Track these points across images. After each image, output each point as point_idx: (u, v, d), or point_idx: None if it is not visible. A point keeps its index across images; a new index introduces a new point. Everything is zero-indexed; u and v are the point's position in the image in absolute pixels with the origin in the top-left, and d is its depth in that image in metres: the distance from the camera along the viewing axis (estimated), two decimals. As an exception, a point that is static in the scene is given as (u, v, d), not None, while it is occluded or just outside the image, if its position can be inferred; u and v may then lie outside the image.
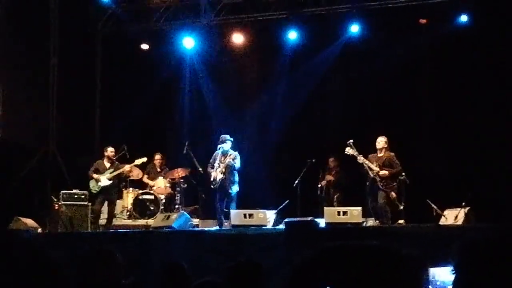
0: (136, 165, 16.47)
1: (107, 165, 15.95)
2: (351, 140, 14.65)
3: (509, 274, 2.38)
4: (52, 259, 2.83)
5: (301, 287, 2.17)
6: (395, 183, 14.44)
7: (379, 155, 14.72)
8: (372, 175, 14.51)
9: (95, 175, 15.76)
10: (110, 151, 16.08)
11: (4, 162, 16.54)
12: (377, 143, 14.78)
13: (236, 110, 18.53)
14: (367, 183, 14.67)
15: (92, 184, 15.82)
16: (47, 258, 2.82)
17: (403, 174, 14.30)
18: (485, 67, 16.20)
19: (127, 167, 16.06)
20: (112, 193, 15.96)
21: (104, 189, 15.73)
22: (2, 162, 16.54)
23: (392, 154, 14.70)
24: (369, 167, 14.52)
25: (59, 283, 2.74)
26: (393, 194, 14.37)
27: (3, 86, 16.84)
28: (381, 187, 14.40)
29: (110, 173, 15.80)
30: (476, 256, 2.42)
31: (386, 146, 14.73)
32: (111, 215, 15.90)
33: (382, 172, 14.45)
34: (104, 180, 15.71)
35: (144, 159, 16.35)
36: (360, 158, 14.59)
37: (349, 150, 14.70)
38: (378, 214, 14.34)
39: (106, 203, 15.90)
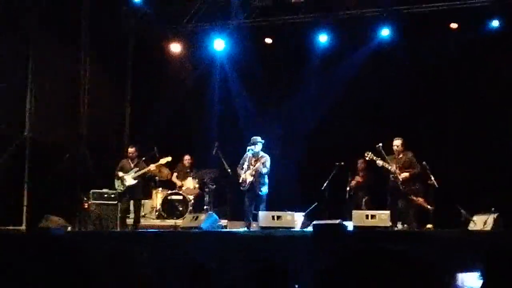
0: (163, 165, 16.52)
1: (132, 164, 16.00)
2: (380, 144, 14.61)
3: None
4: (86, 256, 2.88)
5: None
6: (417, 185, 14.40)
7: (398, 157, 14.67)
8: (392, 178, 14.49)
9: (120, 174, 15.83)
10: (130, 151, 16.08)
11: (35, 161, 16.70)
12: (394, 146, 14.73)
13: (266, 112, 18.53)
14: (389, 186, 14.67)
15: (117, 183, 15.87)
16: (80, 254, 2.87)
17: (432, 177, 14.21)
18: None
19: (152, 167, 16.06)
20: (138, 192, 15.98)
21: (129, 188, 15.78)
22: (33, 162, 16.71)
23: (410, 154, 14.65)
24: (389, 170, 14.49)
25: (92, 278, 2.79)
26: (420, 199, 14.31)
27: (34, 87, 16.99)
28: (402, 190, 14.36)
29: (135, 172, 15.84)
30: (503, 262, 2.42)
31: (403, 147, 14.69)
32: (138, 214, 15.95)
33: (403, 175, 14.40)
34: (130, 180, 15.74)
35: (169, 158, 16.33)
36: (380, 162, 14.56)
37: (368, 155, 14.71)
38: (402, 218, 14.29)
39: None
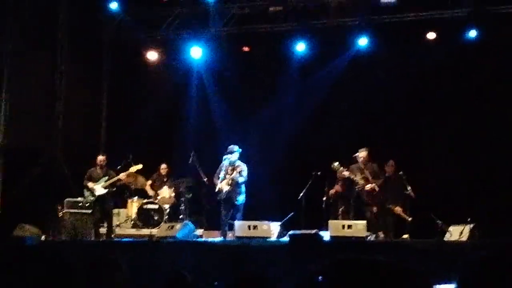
0: (136, 173, 16.36)
1: (100, 173, 15.72)
2: (357, 154, 14.64)
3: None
4: (61, 265, 2.82)
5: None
6: (383, 196, 14.46)
7: (361, 166, 14.70)
8: (357, 189, 14.52)
9: (90, 184, 15.56)
10: (99, 159, 15.77)
11: (9, 169, 16.54)
12: (360, 157, 14.74)
13: (243, 121, 18.46)
14: (352, 197, 14.69)
15: (86, 194, 15.59)
16: (56, 264, 2.81)
17: (409, 188, 14.23)
18: (493, 81, 16.15)
19: (122, 175, 15.84)
20: (108, 202, 15.67)
21: (100, 198, 15.52)
22: (7, 169, 16.54)
23: (375, 165, 14.70)
24: (354, 181, 14.51)
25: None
26: (398, 209, 14.35)
27: (9, 93, 16.85)
28: (366, 200, 14.41)
29: (105, 181, 15.59)
30: (478, 273, 2.39)
31: (368, 158, 14.73)
32: (110, 224, 15.70)
33: (368, 186, 14.44)
34: (99, 189, 15.48)
35: (140, 167, 16.09)
36: (346, 173, 14.59)
37: (334, 166, 14.72)
38: (373, 229, 14.28)
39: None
